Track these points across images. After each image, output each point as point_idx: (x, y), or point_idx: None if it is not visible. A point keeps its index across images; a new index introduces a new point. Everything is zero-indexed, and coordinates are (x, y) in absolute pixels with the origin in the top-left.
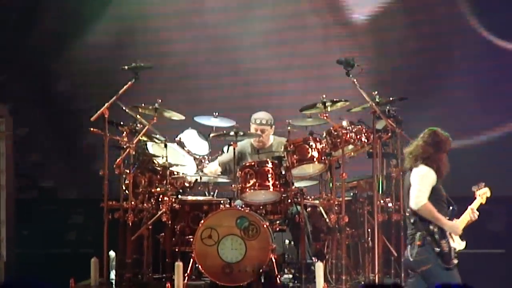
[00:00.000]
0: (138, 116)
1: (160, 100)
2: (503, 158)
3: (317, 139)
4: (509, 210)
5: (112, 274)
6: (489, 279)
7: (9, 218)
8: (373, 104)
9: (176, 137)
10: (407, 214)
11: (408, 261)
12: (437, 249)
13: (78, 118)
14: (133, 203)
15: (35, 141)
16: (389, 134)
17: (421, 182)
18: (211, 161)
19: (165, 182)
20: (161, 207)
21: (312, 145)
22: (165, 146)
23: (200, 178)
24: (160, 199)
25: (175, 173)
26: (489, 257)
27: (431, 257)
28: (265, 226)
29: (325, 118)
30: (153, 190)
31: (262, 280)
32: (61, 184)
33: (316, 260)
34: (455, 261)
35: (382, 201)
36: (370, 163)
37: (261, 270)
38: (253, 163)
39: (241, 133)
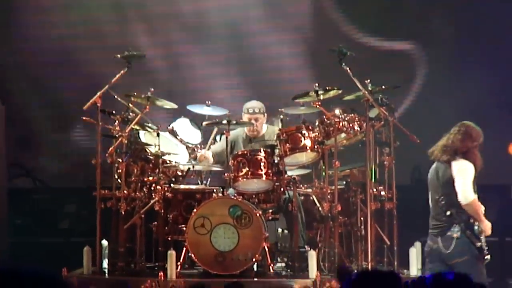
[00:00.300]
0: (130, 105)
1: (152, 89)
2: (496, 147)
3: (310, 127)
4: (502, 199)
5: (105, 263)
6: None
7: (2, 208)
8: (366, 93)
9: (169, 126)
10: (440, 206)
11: (437, 252)
12: (478, 244)
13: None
14: (125, 192)
15: (28, 130)
16: (382, 122)
17: (466, 176)
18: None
19: (157, 171)
20: (153, 196)
21: (304, 134)
22: (158, 135)
23: (193, 166)
24: (152, 188)
25: (168, 162)
26: None
27: (468, 251)
28: (258, 214)
29: (317, 106)
30: (145, 179)
31: (255, 269)
32: (54, 173)
33: (309, 248)
34: (488, 257)
35: (375, 190)
36: (363, 152)
37: (254, 259)
38: (245, 152)
39: (234, 122)
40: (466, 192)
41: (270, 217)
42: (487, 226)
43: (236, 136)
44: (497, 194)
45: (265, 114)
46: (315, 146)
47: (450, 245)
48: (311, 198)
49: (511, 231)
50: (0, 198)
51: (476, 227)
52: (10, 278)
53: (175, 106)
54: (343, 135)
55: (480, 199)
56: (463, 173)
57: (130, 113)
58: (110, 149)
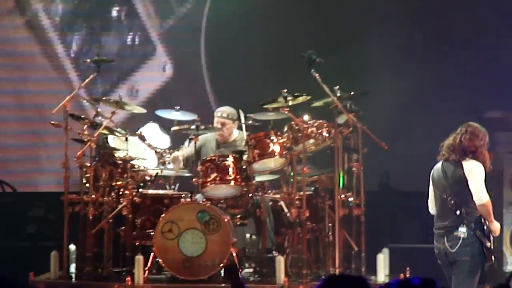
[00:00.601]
0: (99, 109)
1: (121, 94)
2: None
3: (278, 133)
4: None
5: (72, 268)
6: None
7: None
8: (335, 99)
9: (137, 130)
10: (449, 205)
11: (444, 252)
12: (488, 244)
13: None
14: (93, 196)
15: None
16: (350, 128)
17: (479, 176)
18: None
19: (126, 175)
20: (121, 201)
21: (273, 140)
22: (126, 139)
23: (161, 171)
24: (120, 193)
25: (136, 166)
26: None
27: (475, 250)
28: (226, 220)
29: (286, 112)
30: (113, 184)
31: (223, 274)
32: (21, 176)
33: (277, 254)
34: (493, 259)
35: (343, 196)
36: (331, 158)
37: (221, 264)
38: (214, 158)
39: (202, 127)
40: (481, 193)
41: (238, 223)
42: (496, 227)
43: (205, 140)
44: None
45: (235, 121)
46: (284, 152)
47: (456, 245)
48: (279, 203)
49: None
50: None
51: (486, 227)
52: None
53: (144, 111)
54: (311, 141)
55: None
56: (475, 174)
57: (99, 118)
58: (79, 153)
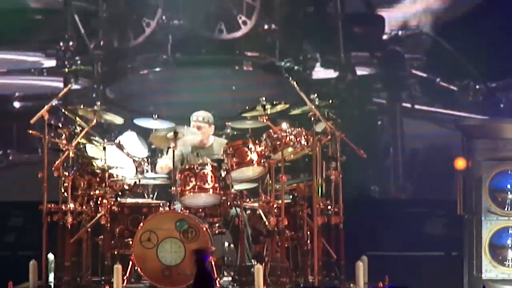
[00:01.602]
0: (77, 118)
1: (99, 103)
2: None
3: (257, 141)
4: (448, 213)
5: (51, 277)
6: (429, 280)
7: None
8: (313, 107)
9: (115, 139)
10: None
11: None
12: None
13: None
14: (72, 205)
15: None
16: (329, 136)
17: None
18: (151, 164)
19: (104, 184)
20: (100, 210)
21: (251, 148)
22: (104, 148)
23: (139, 180)
24: (99, 202)
25: (114, 175)
26: (428, 259)
27: None
28: (204, 228)
29: (264, 120)
30: (92, 193)
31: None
32: (20, 149)
33: (256, 262)
34: None
35: (321, 204)
36: (309, 166)
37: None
38: (192, 166)
39: (183, 130)
40: None
41: (216, 231)
42: None
43: (187, 149)
44: (444, 209)
45: (212, 125)
46: (262, 161)
47: None
48: (257, 212)
49: (456, 245)
50: None
51: None
52: None
53: (122, 121)
54: (290, 149)
55: (426, 215)
56: None
57: (77, 127)
58: (57, 162)
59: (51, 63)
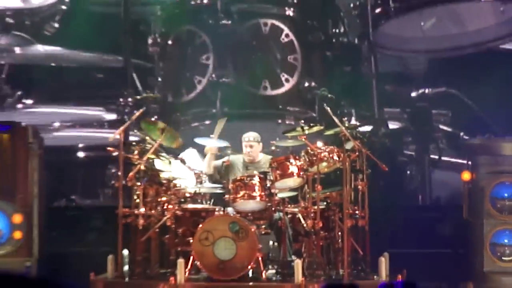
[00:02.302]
0: (147, 137)
1: (166, 124)
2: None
3: (297, 157)
4: (456, 217)
5: (126, 269)
6: (439, 273)
7: (40, 223)
8: (343, 128)
9: (179, 155)
10: None
11: None
12: None
13: None
14: (142, 210)
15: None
16: (357, 153)
17: None
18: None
19: (169, 192)
20: (166, 214)
21: (292, 162)
22: (170, 162)
23: (199, 189)
24: (165, 207)
25: (178, 185)
26: (439, 255)
27: None
28: (252, 229)
29: (303, 139)
30: (159, 199)
31: (250, 275)
32: (85, 195)
33: (295, 258)
34: None
35: (350, 209)
36: (341, 177)
37: (249, 267)
38: (243, 178)
39: (233, 152)
40: None
41: (263, 232)
42: None
43: (235, 160)
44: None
45: (260, 143)
46: (301, 173)
47: None
48: (297, 216)
49: (463, 244)
50: (39, 215)
51: None
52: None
53: (181, 142)
54: (324, 163)
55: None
56: None
57: (147, 144)
58: (130, 174)
59: (111, 116)
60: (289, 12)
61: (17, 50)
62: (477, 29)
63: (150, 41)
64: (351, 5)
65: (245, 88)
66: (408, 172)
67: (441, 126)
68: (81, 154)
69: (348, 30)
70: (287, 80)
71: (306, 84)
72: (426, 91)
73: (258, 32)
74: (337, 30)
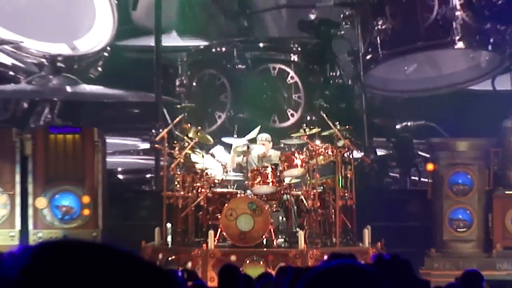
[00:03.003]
0: (185, 137)
1: (199, 127)
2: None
3: (300, 152)
4: (422, 198)
5: (169, 238)
6: (410, 240)
7: (103, 203)
8: (336, 130)
9: (209, 151)
10: None
11: None
12: None
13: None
14: (182, 193)
15: None
16: (346, 149)
17: None
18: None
19: (202, 179)
20: (199, 196)
21: (296, 156)
22: (202, 156)
23: (225, 177)
24: (199, 191)
25: (209, 174)
26: (409, 228)
27: None
28: (266, 208)
29: (305, 139)
30: (194, 185)
31: (264, 242)
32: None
33: (299, 230)
34: None
35: (341, 192)
36: (334, 168)
37: (264, 236)
38: (258, 168)
39: (252, 147)
40: None
41: (274, 210)
42: None
43: (251, 156)
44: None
45: (271, 142)
46: (303, 164)
47: None
48: (300, 197)
49: (427, 218)
50: (103, 197)
51: None
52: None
53: (211, 141)
54: (321, 157)
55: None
56: None
57: (186, 143)
58: (172, 165)
59: (145, 145)
60: (294, 58)
61: (67, 89)
62: (451, 72)
63: (177, 82)
64: (346, 52)
65: (258, 121)
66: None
67: (421, 153)
68: (120, 177)
69: (343, 73)
70: (292, 115)
71: (308, 118)
72: (408, 123)
73: (268, 74)
74: (334, 73)
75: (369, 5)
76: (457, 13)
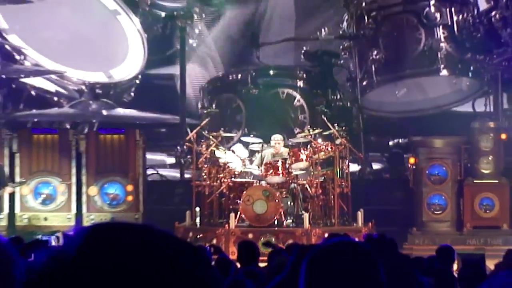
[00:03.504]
0: (210, 136)
1: (223, 129)
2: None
3: (305, 149)
4: (405, 186)
5: (197, 220)
6: (394, 221)
7: (144, 191)
8: (335, 131)
9: (230, 148)
10: None
11: None
12: None
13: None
14: (208, 182)
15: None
16: (343, 146)
17: None
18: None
19: (225, 171)
20: (223, 185)
21: (302, 152)
22: (225, 152)
23: (243, 169)
24: (222, 181)
25: (230, 167)
26: (394, 210)
27: None
28: (277, 194)
29: (309, 138)
30: (219, 176)
31: (276, 223)
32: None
33: (304, 212)
34: None
35: (339, 182)
36: (333, 161)
37: (276, 218)
38: (271, 162)
39: (265, 145)
40: None
41: (283, 196)
42: None
43: (267, 151)
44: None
45: (282, 141)
46: (308, 159)
47: None
48: (305, 186)
49: (410, 203)
50: (143, 186)
51: None
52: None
53: (235, 136)
54: (322, 153)
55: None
56: None
57: (211, 141)
58: (200, 160)
59: (171, 160)
60: (300, 83)
61: (104, 112)
62: (436, 96)
63: (199, 105)
64: (345, 78)
65: (269, 139)
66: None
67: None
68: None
69: (343, 96)
70: (299, 133)
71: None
72: (400, 140)
73: (277, 98)
74: (335, 97)
75: (365, 38)
76: (442, 44)
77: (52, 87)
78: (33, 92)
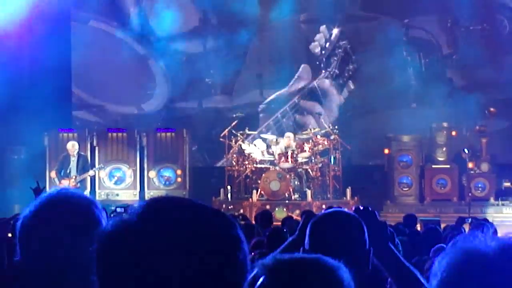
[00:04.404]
0: (238, 134)
1: (247, 128)
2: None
3: (308, 142)
4: (380, 170)
5: (229, 195)
6: (371, 197)
7: (190, 174)
8: (329, 129)
9: (252, 142)
10: None
11: None
12: None
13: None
14: (236, 167)
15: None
16: (335, 141)
17: None
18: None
19: (249, 159)
20: (247, 169)
21: (305, 145)
22: (249, 145)
23: (262, 157)
24: (247, 166)
25: (252, 156)
26: (371, 188)
27: None
28: (287, 176)
29: (310, 134)
30: (244, 163)
31: (286, 196)
32: (210, 161)
33: (307, 189)
34: None
35: (333, 167)
36: (328, 152)
37: (286, 194)
38: (283, 152)
39: (280, 139)
40: None
41: (292, 177)
42: None
43: (282, 145)
44: (381, 168)
45: (292, 137)
46: (310, 150)
47: None
48: (308, 169)
49: (384, 182)
50: (189, 171)
51: None
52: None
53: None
54: (320, 145)
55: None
56: None
57: (239, 137)
58: (231, 151)
59: None
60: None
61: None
62: None
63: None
64: None
65: (283, 135)
66: None
67: None
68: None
69: None
70: (303, 132)
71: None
72: None
73: None
74: None
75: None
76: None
77: (92, 118)
78: None
